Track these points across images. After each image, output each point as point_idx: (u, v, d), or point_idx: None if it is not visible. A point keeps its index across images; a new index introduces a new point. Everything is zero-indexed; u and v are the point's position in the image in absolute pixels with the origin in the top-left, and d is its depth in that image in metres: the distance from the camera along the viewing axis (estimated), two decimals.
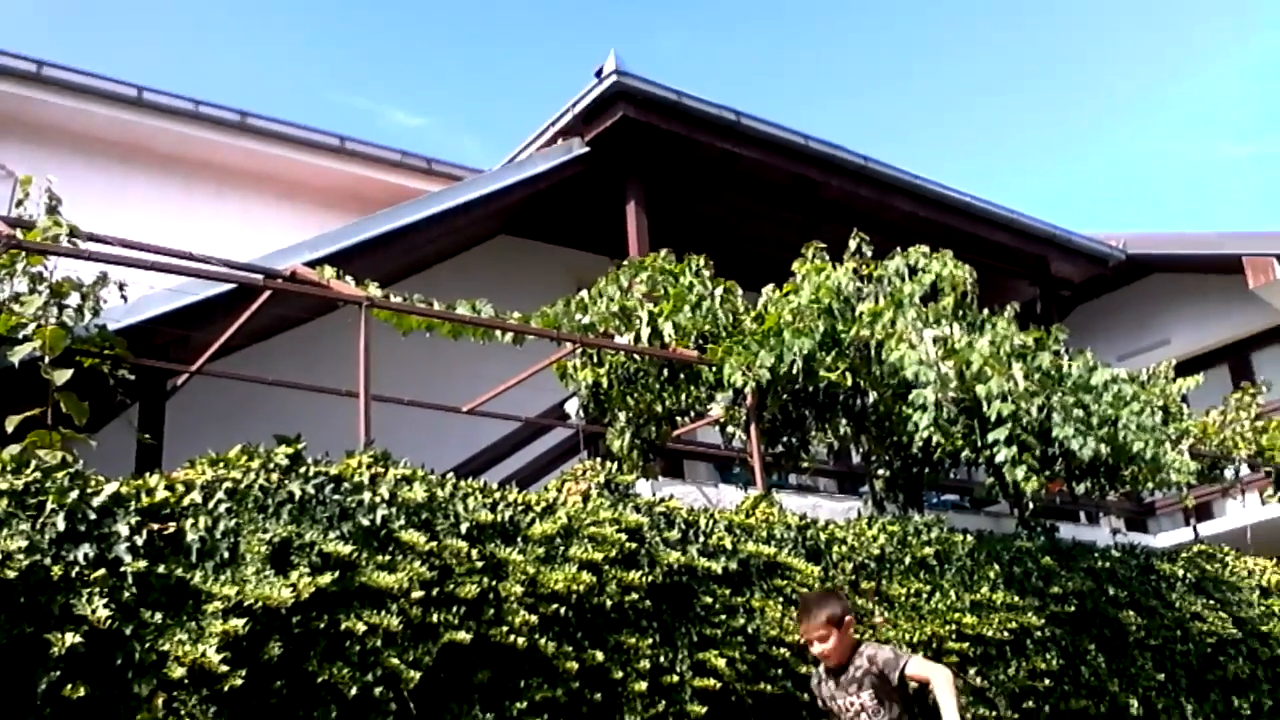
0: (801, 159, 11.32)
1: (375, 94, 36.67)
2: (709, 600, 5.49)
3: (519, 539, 5.05)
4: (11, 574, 3.83)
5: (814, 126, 11.55)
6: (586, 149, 10.53)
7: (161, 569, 4.17)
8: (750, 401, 7.14)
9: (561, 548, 5.10)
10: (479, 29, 36.26)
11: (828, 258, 8.08)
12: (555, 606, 4.89)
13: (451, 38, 36.48)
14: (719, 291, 8.15)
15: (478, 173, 11.22)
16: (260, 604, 4.11)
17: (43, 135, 10.02)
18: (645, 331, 7.61)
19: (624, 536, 5.28)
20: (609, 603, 5.09)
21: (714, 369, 7.10)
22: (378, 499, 4.91)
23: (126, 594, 4.00)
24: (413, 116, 35.95)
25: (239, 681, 3.87)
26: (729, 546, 5.77)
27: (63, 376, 5.25)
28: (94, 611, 3.83)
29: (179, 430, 7.18)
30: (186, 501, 4.56)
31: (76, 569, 4.00)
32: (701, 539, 5.70)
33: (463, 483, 5.26)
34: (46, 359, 5.38)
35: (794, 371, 6.87)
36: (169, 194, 10.54)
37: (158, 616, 3.97)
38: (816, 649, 5.14)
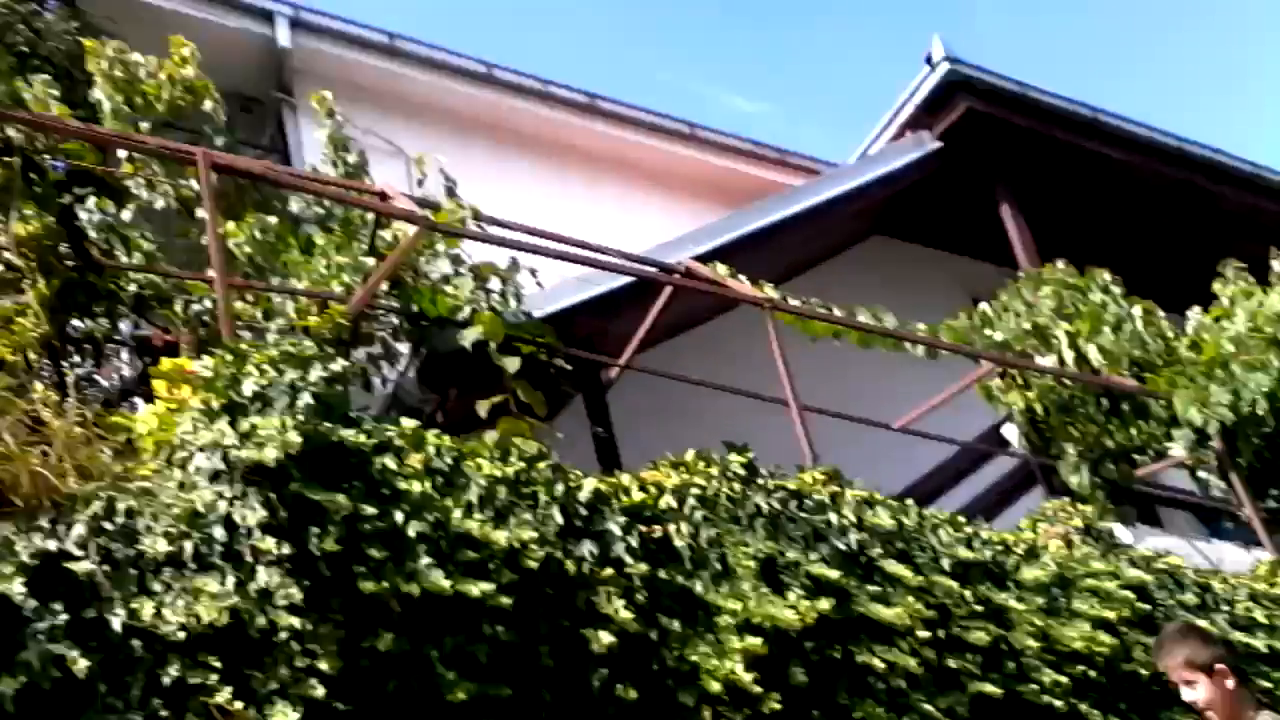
0: (1183, 164, 11.07)
1: (708, 77, 37.30)
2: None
3: (1009, 583, 5.11)
4: (532, 563, 4.18)
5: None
6: (938, 144, 10.53)
7: (663, 574, 4.45)
8: (1219, 445, 6.97)
9: (1062, 600, 5.14)
10: (807, 12, 36.33)
11: (1251, 279, 7.87)
12: (1080, 667, 4.93)
13: (781, 21, 36.71)
14: (1137, 311, 8.03)
15: (831, 166, 11.38)
16: (769, 624, 4.32)
17: (412, 110, 10.73)
18: (1068, 354, 7.56)
19: (1131, 595, 5.26)
20: (1142, 672, 5.07)
21: (1162, 403, 6.99)
22: (845, 522, 5.07)
23: (639, 597, 4.29)
24: (750, 102, 36.39)
25: (776, 705, 4.08)
26: (1262, 620, 5.64)
27: (514, 364, 5.66)
28: (616, 612, 4.13)
29: (619, 424, 7.55)
30: (663, 504, 4.85)
31: (586, 565, 4.32)
32: (1224, 608, 5.61)
33: (929, 512, 5.36)
34: (492, 345, 5.78)
35: (1258, 412, 6.70)
36: (541, 177, 11.07)
37: (676, 624, 4.24)
38: (1187, 695, 4.89)
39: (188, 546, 3.65)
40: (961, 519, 5.41)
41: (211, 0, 10.37)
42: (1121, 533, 6.24)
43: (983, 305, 8.32)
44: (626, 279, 7.53)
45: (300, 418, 4.33)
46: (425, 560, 3.99)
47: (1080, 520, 5.68)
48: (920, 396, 7.80)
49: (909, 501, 5.44)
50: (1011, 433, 7.65)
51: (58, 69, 9.73)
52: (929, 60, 10.15)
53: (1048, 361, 7.57)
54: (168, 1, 10.18)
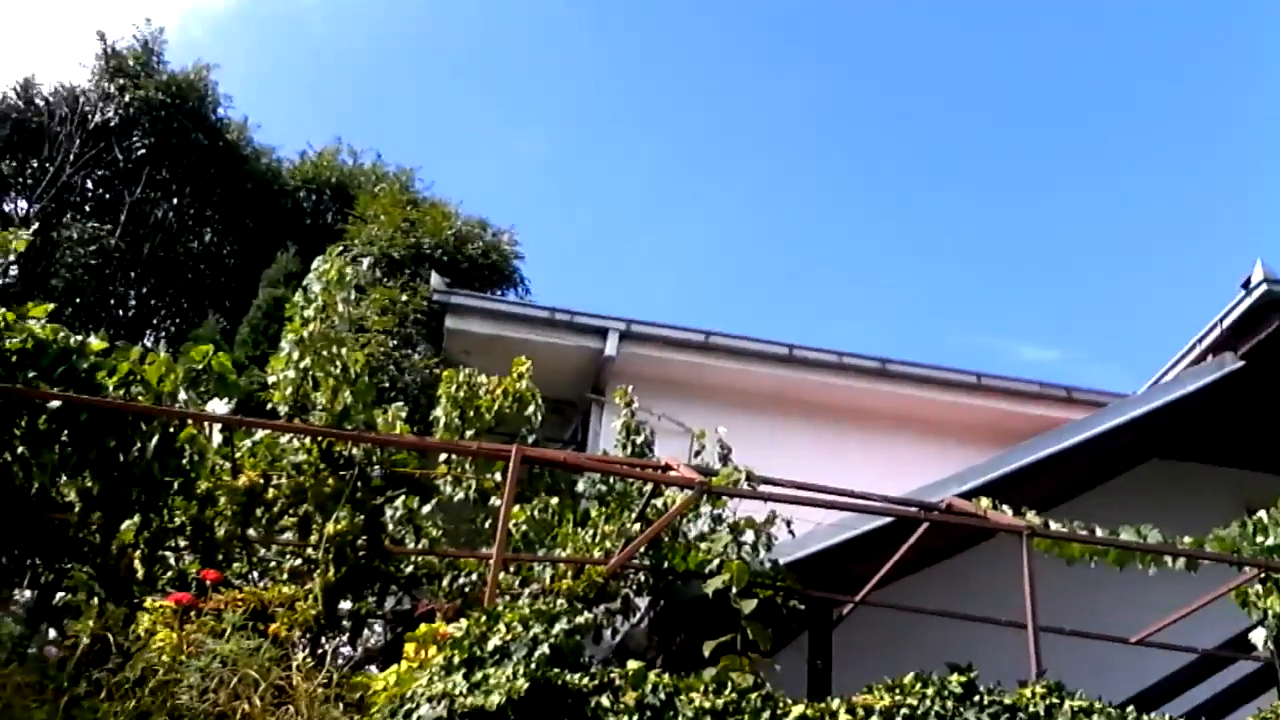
0: None
1: (1002, 332, 36.98)
2: None
3: None
4: None
5: None
6: (1240, 364, 9.77)
7: None
8: None
9: None
10: (1100, 258, 35.60)
11: None
12: None
13: (1074, 269, 36.09)
14: None
15: (1119, 397, 10.75)
16: None
17: (710, 393, 11.12)
18: None
19: None
20: None
21: None
22: None
23: None
24: (1043, 350, 35.65)
25: None
26: None
27: (749, 606, 5.69)
28: None
29: (843, 656, 7.38)
30: None
31: None
32: None
33: (1146, 716, 4.87)
34: (734, 590, 5.84)
35: None
36: (820, 439, 11.17)
37: None
38: None
39: None
40: None
41: (554, 325, 11.20)
42: None
43: (1259, 513, 7.57)
44: (879, 521, 7.41)
45: (532, 666, 4.51)
46: None
47: None
48: (1172, 609, 7.14)
49: (1129, 709, 4.94)
50: (1259, 636, 6.81)
51: (412, 397, 10.88)
52: (1246, 284, 9.63)
53: None
54: (516, 332, 11.08)
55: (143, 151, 19.45)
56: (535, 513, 6.89)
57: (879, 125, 34.99)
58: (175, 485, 5.70)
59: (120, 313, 19.14)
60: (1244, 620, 7.00)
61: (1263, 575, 6.82)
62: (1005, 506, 7.23)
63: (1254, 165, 33.72)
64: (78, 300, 17.71)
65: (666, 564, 6.58)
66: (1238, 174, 34.19)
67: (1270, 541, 7.18)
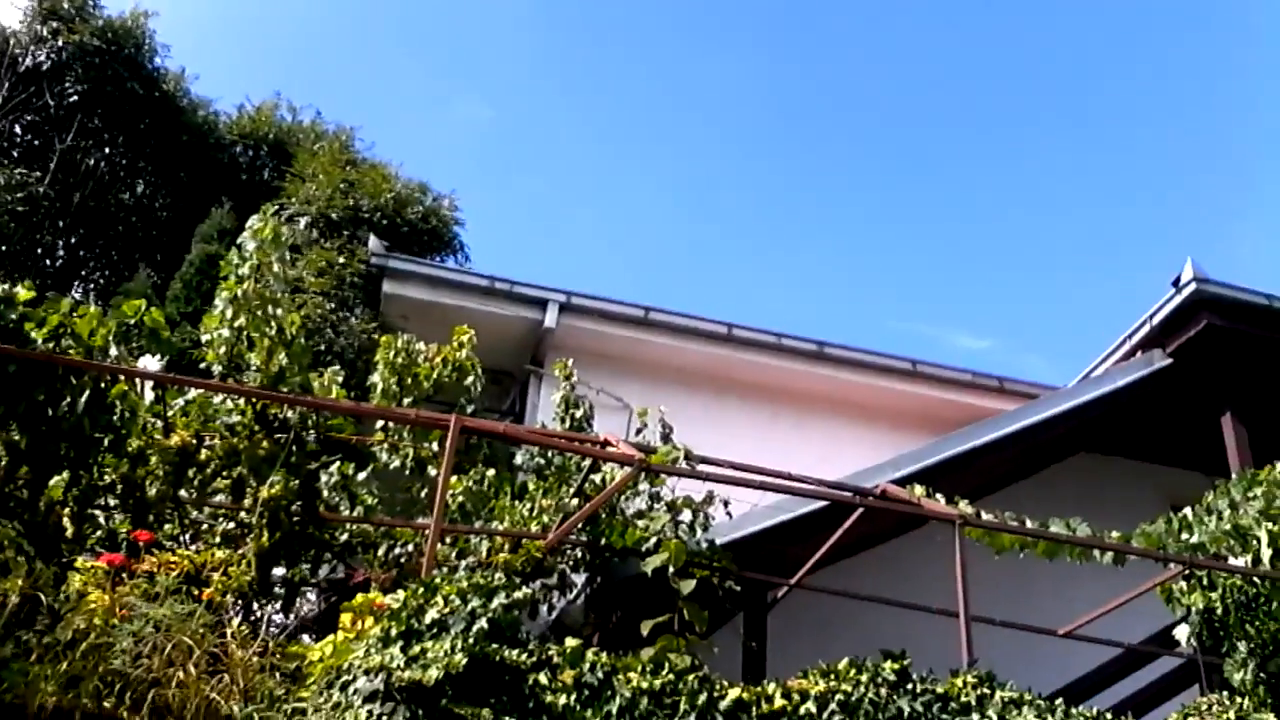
0: None
1: (938, 320, 37.45)
2: None
3: None
4: None
5: None
6: (1168, 361, 9.95)
7: None
8: None
9: None
10: (1037, 250, 36.17)
11: None
12: None
13: (1010, 260, 36.63)
14: None
15: (1050, 390, 10.91)
16: None
17: (648, 369, 11.10)
18: (1266, 553, 6.87)
19: None
20: None
21: None
22: None
23: None
24: (977, 339, 36.16)
25: None
26: None
27: (688, 587, 5.69)
28: None
29: (777, 638, 7.43)
30: (802, 711, 4.72)
31: None
32: None
33: (1075, 710, 4.95)
34: (671, 569, 5.83)
35: None
36: (757, 419, 11.21)
37: None
38: None
39: None
40: (1109, 716, 4.95)
41: (494, 295, 11.09)
42: None
43: (1185, 510, 7.72)
44: (815, 505, 7.45)
45: (470, 641, 4.46)
46: None
47: (1234, 714, 5.10)
48: (1100, 602, 7.29)
49: (1059, 701, 5.02)
50: (1182, 633, 6.96)
51: (348, 361, 10.72)
52: (1176, 283, 9.75)
53: (1240, 562, 6.91)
54: (455, 299, 10.96)
55: (75, 98, 18.86)
56: (472, 484, 6.82)
57: (823, 109, 35.11)
58: (106, 442, 5.55)
59: (48, 263, 18.59)
60: (1169, 616, 7.14)
61: (1187, 572, 6.95)
62: (938, 494, 7.30)
63: (1193, 164, 34.48)
64: (3, 248, 17.19)
65: (604, 541, 6.56)
66: (1176, 172, 34.90)
67: (1194, 539, 7.33)
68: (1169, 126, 33.95)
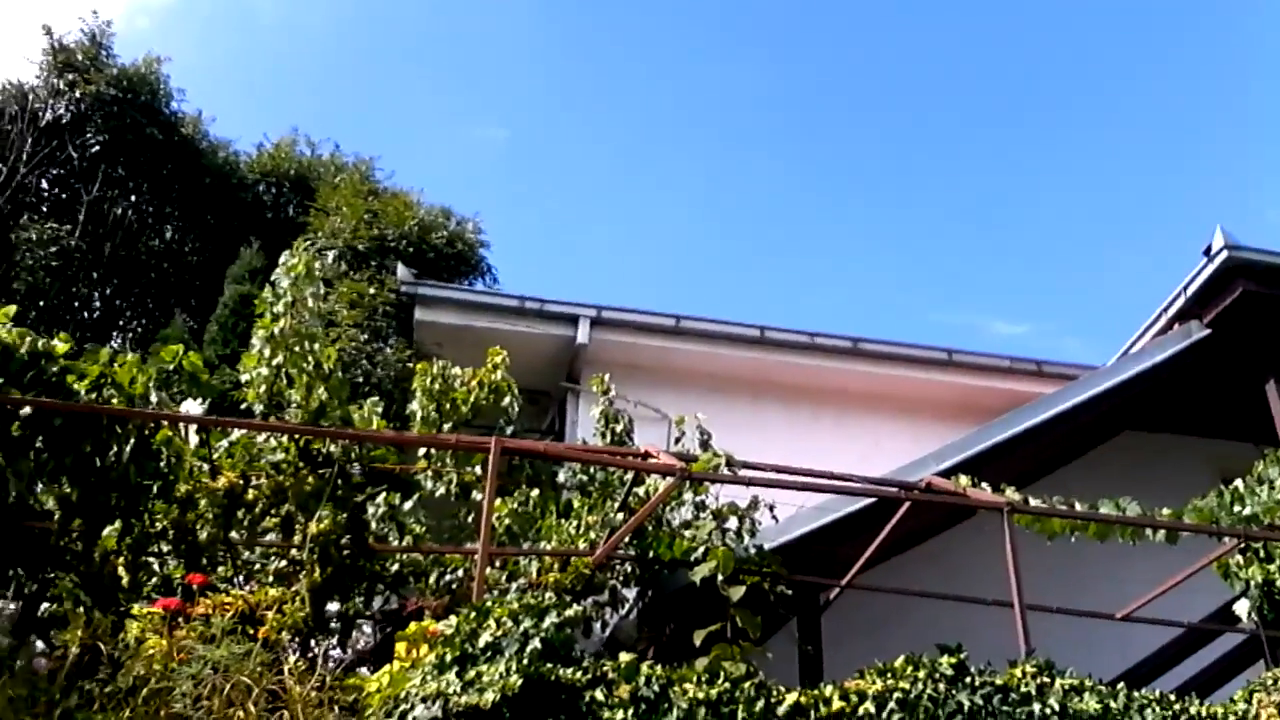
0: None
1: (975, 308, 37.28)
2: None
3: None
4: None
5: None
6: (1207, 331, 9.84)
7: None
8: None
9: None
10: (1068, 233, 35.95)
11: None
12: None
13: (1042, 244, 36.41)
14: None
15: (1089, 369, 10.83)
16: None
17: (683, 378, 11.12)
18: None
19: None
20: None
21: None
22: (1048, 710, 4.80)
23: None
24: (1014, 325, 35.98)
25: None
26: None
27: (738, 593, 5.69)
28: None
29: (832, 640, 7.41)
30: (861, 711, 4.71)
31: None
32: None
33: (1137, 693, 4.92)
34: (720, 577, 5.84)
35: None
36: (795, 420, 11.21)
37: None
38: None
39: None
40: (1172, 698, 4.91)
41: (525, 314, 11.14)
42: None
43: (1236, 482, 7.65)
44: (861, 503, 7.43)
45: (525, 661, 4.49)
46: None
47: None
48: (1156, 581, 7.22)
49: (1120, 685, 4.99)
50: (1243, 608, 6.88)
51: (385, 391, 10.80)
52: (1207, 251, 9.66)
53: None
54: (487, 321, 11.03)
55: (97, 148, 19.14)
56: (518, 505, 6.86)
57: (844, 106, 35.09)
58: (154, 489, 5.62)
59: (85, 315, 18.84)
60: (1228, 592, 7.07)
61: (1242, 545, 6.89)
62: (984, 484, 7.27)
63: (1219, 135, 34.13)
64: (41, 303, 17.43)
65: (652, 553, 6.57)
66: (1201, 140, 34.59)
67: (1248, 510, 7.27)
68: (1190, 96, 33.69)
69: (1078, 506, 7.14)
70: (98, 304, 19.29)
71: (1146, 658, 8.00)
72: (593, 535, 6.60)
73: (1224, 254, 9.39)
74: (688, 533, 6.63)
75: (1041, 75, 34.10)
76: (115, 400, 5.68)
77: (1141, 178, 34.98)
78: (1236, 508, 7.36)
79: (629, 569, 6.75)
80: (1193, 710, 4.84)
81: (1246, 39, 32.26)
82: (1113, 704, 4.82)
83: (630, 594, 6.81)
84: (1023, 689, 4.89)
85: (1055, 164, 34.77)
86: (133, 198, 19.92)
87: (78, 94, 19.02)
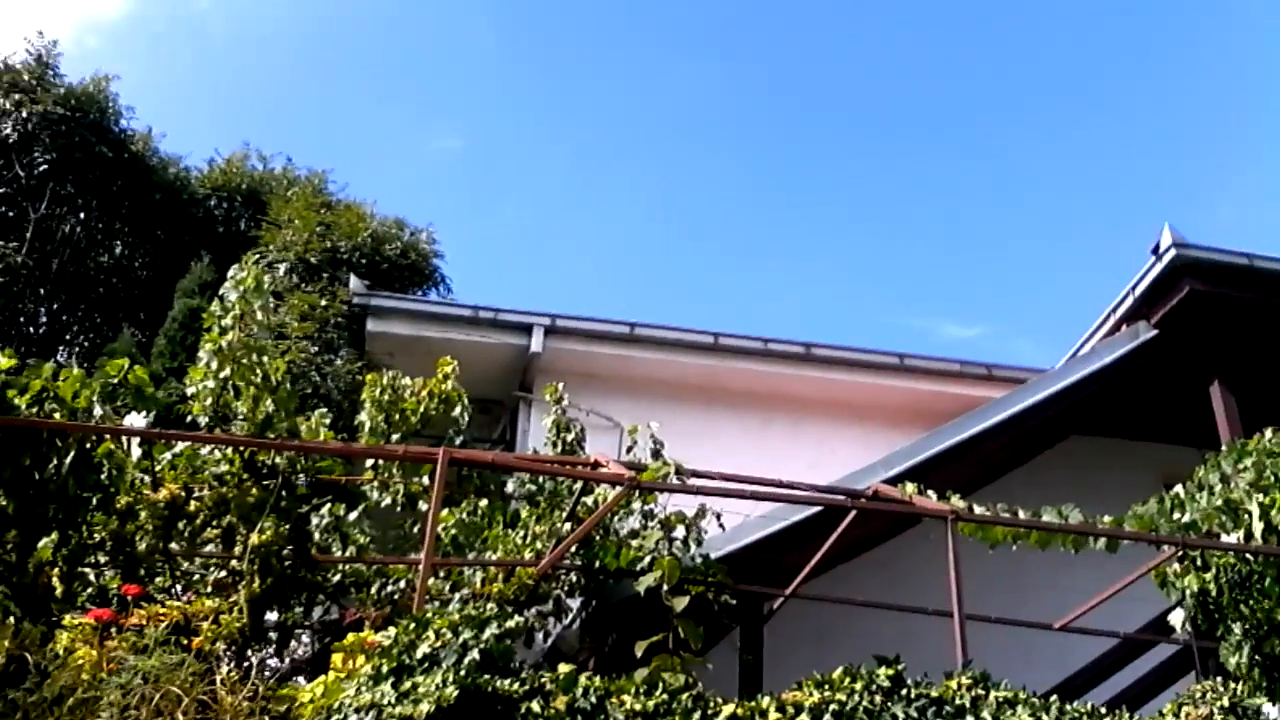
0: None
1: (927, 311, 37.59)
2: None
3: None
4: None
5: None
6: (1154, 332, 9.92)
7: None
8: None
9: None
10: (1019, 234, 36.34)
11: None
12: None
13: (993, 246, 36.77)
14: None
15: (1038, 372, 10.95)
16: None
17: (637, 386, 11.16)
18: (1258, 527, 6.87)
19: None
20: None
21: None
22: None
23: None
24: (966, 328, 36.30)
25: None
26: None
27: (681, 604, 5.71)
28: None
29: (775, 650, 7.45)
30: None
31: None
32: None
33: (1069, 706, 4.97)
34: (665, 587, 5.86)
35: None
36: (748, 427, 11.28)
37: None
38: None
39: None
40: (1103, 710, 4.97)
41: (478, 324, 11.14)
42: (1269, 710, 5.49)
43: (1176, 488, 7.72)
44: (808, 511, 7.48)
45: (462, 673, 4.49)
46: None
47: (1227, 699, 5.10)
48: (1099, 590, 7.28)
49: (1053, 699, 5.04)
50: (1177, 618, 6.91)
51: (335, 402, 10.77)
52: (1156, 250, 9.73)
53: (1233, 538, 6.91)
54: (440, 331, 11.02)
55: (45, 167, 18.92)
56: (465, 515, 6.87)
57: (795, 108, 35.22)
58: (94, 501, 5.59)
59: (30, 330, 18.64)
60: (1164, 602, 7.13)
61: (1180, 553, 6.93)
62: (930, 491, 7.31)
63: (1168, 134, 34.55)
64: None
65: (598, 563, 6.58)
66: (1153, 144, 35.00)
67: (1187, 518, 7.31)
68: (1141, 101, 34.10)
69: (1022, 513, 7.20)
70: (44, 320, 19.10)
71: (1083, 668, 8.07)
72: (539, 545, 6.61)
73: (1171, 252, 9.45)
74: (635, 542, 6.65)
75: (993, 79, 34.45)
76: (58, 414, 5.65)
77: (1095, 178, 35.34)
78: (1176, 515, 7.38)
79: (574, 579, 6.76)
80: None
81: (1198, 39, 32.75)
82: (1044, 717, 4.85)
83: (575, 604, 6.82)
84: (957, 701, 4.91)
85: (1007, 166, 35.10)
86: (81, 214, 19.71)
87: (24, 113, 18.82)
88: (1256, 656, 6.16)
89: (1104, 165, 35.11)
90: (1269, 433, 7.52)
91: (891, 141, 35.37)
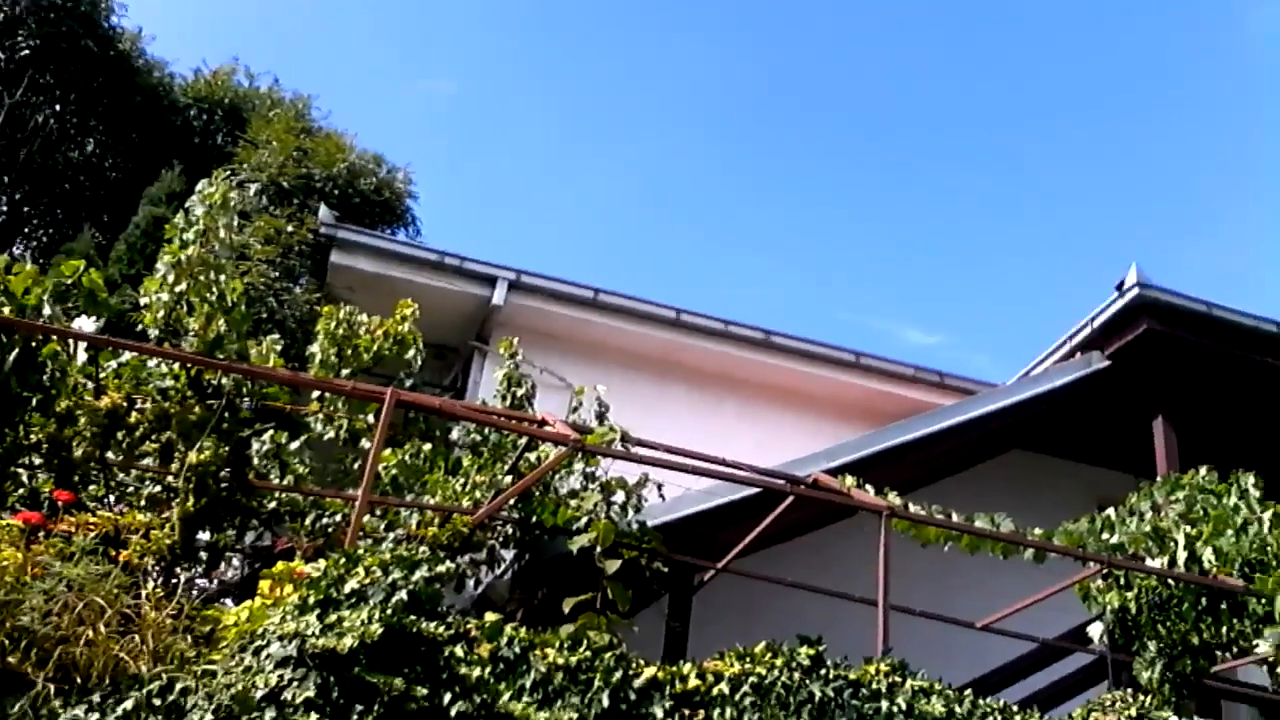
0: None
1: (892, 314, 37.86)
2: None
3: None
4: None
5: None
6: (1107, 363, 10.11)
7: None
8: None
9: None
10: (992, 250, 36.66)
11: None
12: None
13: (964, 258, 37.08)
14: (1268, 516, 7.41)
15: (990, 386, 11.09)
16: None
17: (595, 351, 11.17)
18: (1181, 555, 7.06)
19: None
20: None
21: (1262, 601, 6.40)
22: (896, 709, 4.92)
23: None
24: (928, 335, 36.59)
25: None
26: None
27: (613, 566, 5.75)
28: None
29: (701, 621, 7.53)
30: (715, 692, 4.79)
31: None
32: None
33: (983, 701, 5.07)
34: (599, 549, 5.89)
35: None
36: (700, 404, 11.33)
37: None
38: None
39: None
40: (1015, 708, 5.08)
41: (443, 270, 11.07)
42: None
43: (1108, 510, 7.89)
44: (748, 491, 7.53)
45: (389, 612, 4.49)
46: None
47: (1135, 710, 5.24)
48: (1021, 597, 7.43)
49: (968, 692, 5.14)
50: (1096, 630, 7.12)
51: (289, 330, 10.69)
52: (1119, 286, 9.89)
53: (1157, 563, 7.08)
54: (404, 273, 10.95)
55: (26, 52, 18.52)
56: (407, 457, 6.85)
57: (783, 101, 35.28)
58: (33, 401, 5.53)
59: None
60: (1085, 613, 7.30)
61: (1105, 571, 7.11)
62: (869, 486, 7.40)
63: (1152, 177, 35.00)
64: None
65: (535, 518, 6.61)
66: (1137, 184, 35.41)
67: (1115, 539, 7.50)
68: (1132, 136, 34.43)
69: (955, 518, 7.31)
70: (4, 209, 18.76)
71: (999, 667, 8.25)
72: (478, 495, 6.62)
73: (1135, 290, 9.65)
74: (573, 502, 6.67)
75: (991, 92, 34.64)
76: (6, 309, 5.56)
77: (1078, 207, 35.72)
78: (1105, 535, 7.58)
79: (510, 531, 6.78)
80: None
81: (1197, 85, 33.08)
82: (958, 709, 4.97)
83: (508, 555, 6.84)
84: (874, 686, 5.02)
85: (993, 181, 35.40)
86: (57, 107, 19.32)
87: None
88: (1168, 674, 6.40)
89: (1090, 196, 35.53)
90: (1203, 470, 7.72)
91: (876, 143, 35.57)
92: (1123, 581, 7.06)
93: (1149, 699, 5.51)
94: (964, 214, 35.55)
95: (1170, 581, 6.87)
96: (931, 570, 7.90)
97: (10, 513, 4.95)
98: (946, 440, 9.52)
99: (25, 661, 3.68)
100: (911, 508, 7.19)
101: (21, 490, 5.63)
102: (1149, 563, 7.12)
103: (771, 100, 34.82)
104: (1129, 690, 5.67)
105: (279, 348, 7.53)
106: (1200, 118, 33.31)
